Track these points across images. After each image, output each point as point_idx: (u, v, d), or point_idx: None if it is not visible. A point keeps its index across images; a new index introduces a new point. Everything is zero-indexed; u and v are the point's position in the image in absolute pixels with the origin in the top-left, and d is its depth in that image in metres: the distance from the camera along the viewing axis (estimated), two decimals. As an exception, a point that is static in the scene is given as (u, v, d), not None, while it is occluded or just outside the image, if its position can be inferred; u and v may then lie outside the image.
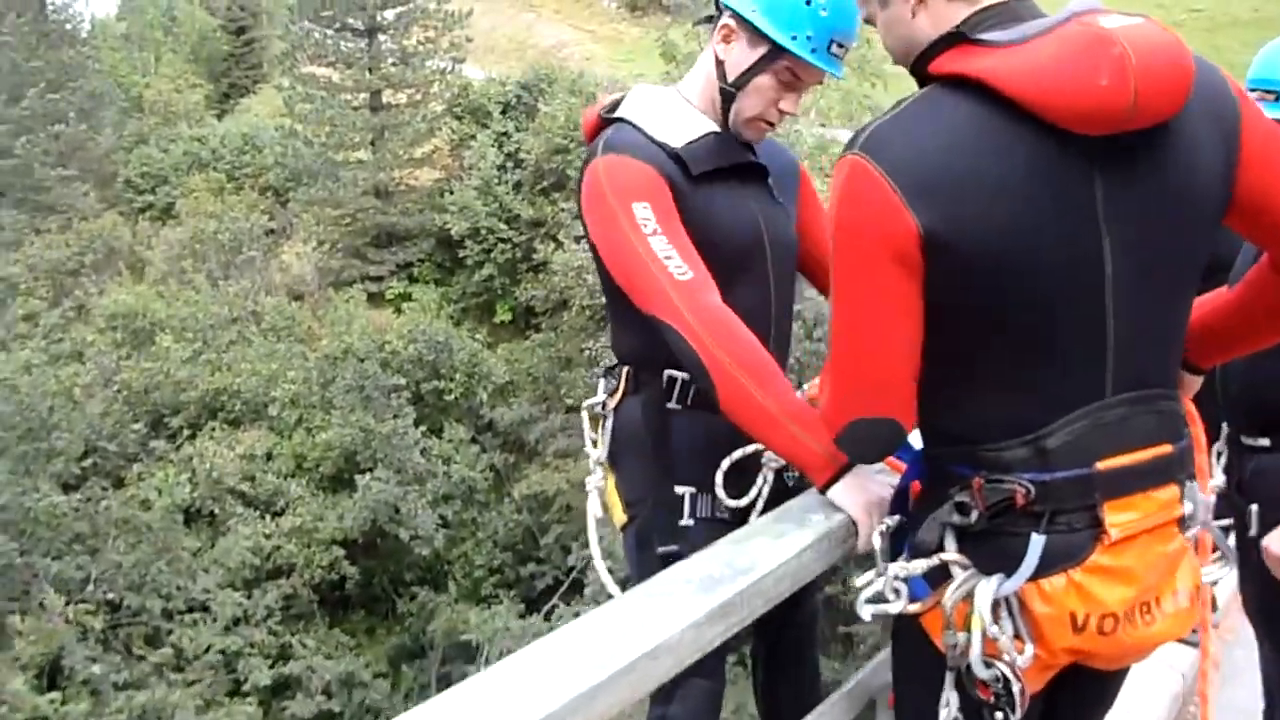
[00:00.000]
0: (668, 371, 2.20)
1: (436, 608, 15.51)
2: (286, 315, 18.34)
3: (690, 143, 2.16)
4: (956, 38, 1.47)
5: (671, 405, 2.23)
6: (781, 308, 2.33)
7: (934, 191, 1.39)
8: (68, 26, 30.25)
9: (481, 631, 13.84)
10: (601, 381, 2.38)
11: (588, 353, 15.57)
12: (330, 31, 23.90)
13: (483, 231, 19.92)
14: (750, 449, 2.16)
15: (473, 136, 21.99)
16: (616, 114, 2.22)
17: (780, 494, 2.14)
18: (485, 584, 15.95)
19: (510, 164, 20.70)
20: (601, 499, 2.32)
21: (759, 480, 2.21)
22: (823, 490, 1.82)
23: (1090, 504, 1.47)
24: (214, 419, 15.74)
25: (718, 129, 2.22)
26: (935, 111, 1.45)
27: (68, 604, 11.93)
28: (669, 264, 1.98)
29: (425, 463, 15.42)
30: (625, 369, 2.31)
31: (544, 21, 35.80)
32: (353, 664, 14.36)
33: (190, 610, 12.78)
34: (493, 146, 21.03)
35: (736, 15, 2.14)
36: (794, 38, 2.08)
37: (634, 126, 2.17)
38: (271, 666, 12.83)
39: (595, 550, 2.34)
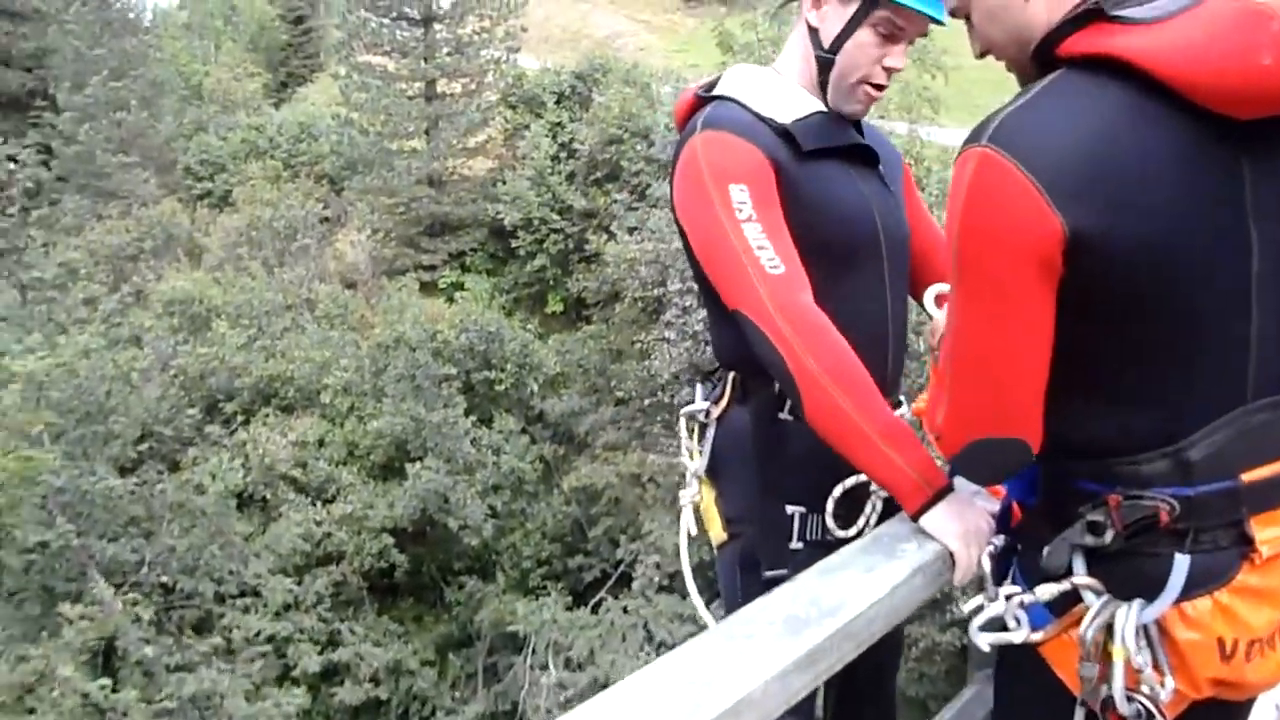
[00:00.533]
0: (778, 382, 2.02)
1: (484, 597, 15.51)
2: (340, 303, 18.43)
3: (799, 119, 2.00)
4: (1092, 15, 1.33)
5: (784, 416, 2.07)
6: (898, 309, 2.17)
7: (1082, 187, 1.27)
8: (130, 15, 30.70)
9: (529, 623, 13.79)
10: (700, 388, 2.25)
11: (639, 345, 15.45)
12: (386, 20, 23.94)
13: (535, 222, 19.87)
14: (864, 478, 2.00)
15: (526, 126, 21.94)
16: (715, 92, 2.07)
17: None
18: (533, 575, 15.92)
19: (564, 154, 20.62)
20: (696, 514, 2.19)
21: (867, 509, 2.08)
22: (915, 517, 1.70)
23: (1236, 519, 1.36)
24: (267, 405, 15.84)
25: (824, 108, 2.07)
26: (1075, 96, 1.32)
27: (121, 586, 12.07)
28: (761, 255, 1.83)
29: (475, 452, 15.40)
30: (731, 374, 2.17)
31: (599, 11, 35.68)
32: (401, 652, 14.41)
33: (242, 595, 12.86)
34: (546, 136, 20.96)
35: None
36: None
37: (737, 104, 2.02)
38: (320, 653, 12.88)
39: (687, 570, 2.20)
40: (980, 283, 1.36)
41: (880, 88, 2.07)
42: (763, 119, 1.99)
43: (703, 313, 13.13)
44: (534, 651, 13.93)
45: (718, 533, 2.16)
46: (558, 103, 22.16)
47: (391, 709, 14.46)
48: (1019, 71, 1.52)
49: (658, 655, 12.76)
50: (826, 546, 1.94)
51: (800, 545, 2.07)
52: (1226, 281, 1.33)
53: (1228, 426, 1.36)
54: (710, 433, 2.19)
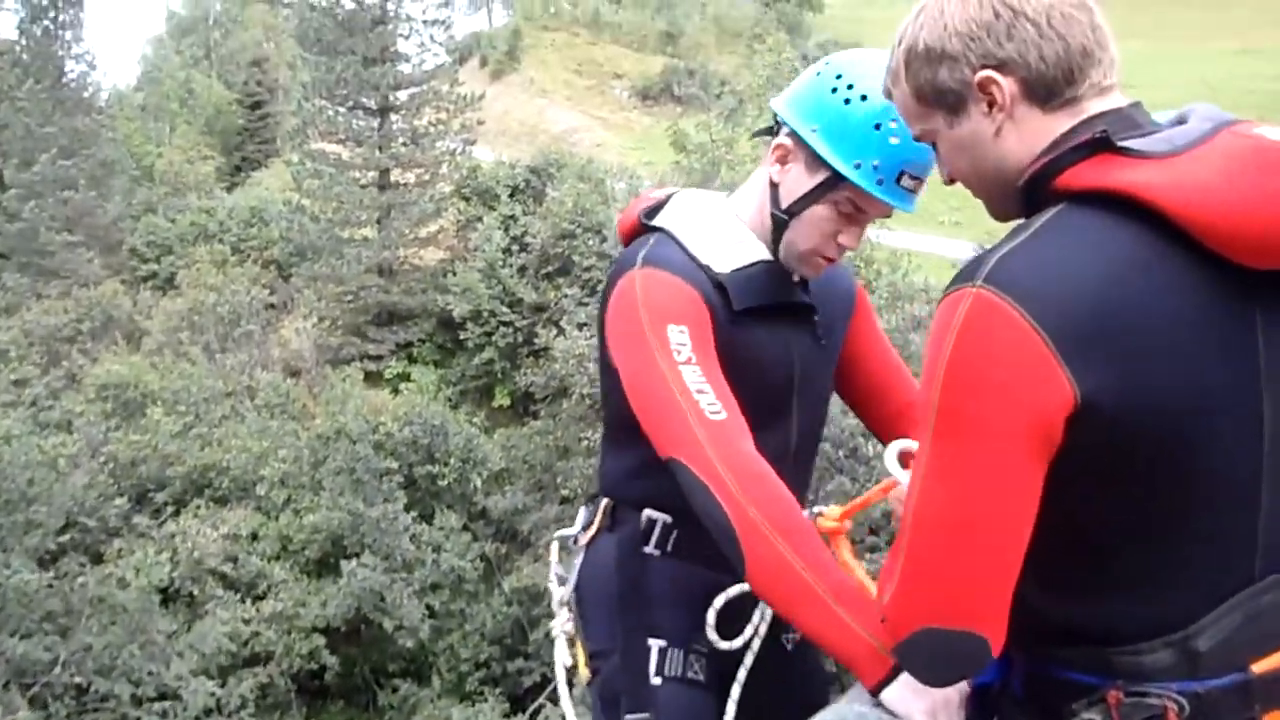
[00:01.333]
0: (647, 512, 1.99)
1: (419, 702, 14.95)
2: (281, 392, 18.05)
3: (738, 270, 1.92)
4: (1098, 146, 1.20)
5: (649, 550, 2.00)
6: (801, 455, 2.11)
7: (1095, 341, 1.12)
8: (84, 94, 30.47)
9: (464, 731, 13.30)
10: (582, 511, 2.17)
11: (586, 443, 15.24)
12: (343, 109, 24.10)
13: (485, 314, 19.76)
14: (746, 587, 1.84)
15: (479, 218, 21.98)
16: (658, 221, 1.99)
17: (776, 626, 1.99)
18: (470, 679, 15.38)
19: (516, 247, 20.62)
20: (569, 646, 2.07)
21: (755, 617, 1.98)
22: (874, 692, 1.53)
23: (1249, 718, 1.20)
24: (200, 496, 15.35)
25: (769, 257, 1.98)
26: (1083, 235, 1.17)
27: (30, 687, 11.44)
28: (701, 399, 1.72)
29: (414, 550, 14.99)
30: (604, 501, 2.08)
31: (556, 106, 36.23)
32: (328, 761, 13.82)
33: (161, 698, 12.26)
34: (499, 229, 20.98)
35: (794, 134, 1.91)
36: (858, 166, 1.84)
37: (677, 242, 1.94)
38: (242, 765, 12.27)
39: (566, 704, 2.04)
40: (960, 444, 1.19)
41: (831, 260, 1.99)
42: (701, 265, 1.91)
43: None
44: (468, 764, 13.42)
45: (583, 668, 2.04)
46: (511, 196, 22.24)
47: (317, 822, 13.82)
48: (992, 202, 1.38)
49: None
50: (689, 684, 1.94)
51: (659, 681, 1.95)
52: (1239, 453, 1.18)
53: (1235, 610, 1.20)
54: (578, 560, 2.12)
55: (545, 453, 16.95)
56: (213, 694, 12.31)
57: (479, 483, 16.51)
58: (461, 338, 20.21)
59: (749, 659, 1.99)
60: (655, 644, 1.97)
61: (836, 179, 1.87)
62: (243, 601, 13.88)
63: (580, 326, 16.01)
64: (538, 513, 16.12)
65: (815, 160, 1.89)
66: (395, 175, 23.68)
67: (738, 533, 1.62)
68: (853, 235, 1.95)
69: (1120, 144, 1.19)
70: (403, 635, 14.49)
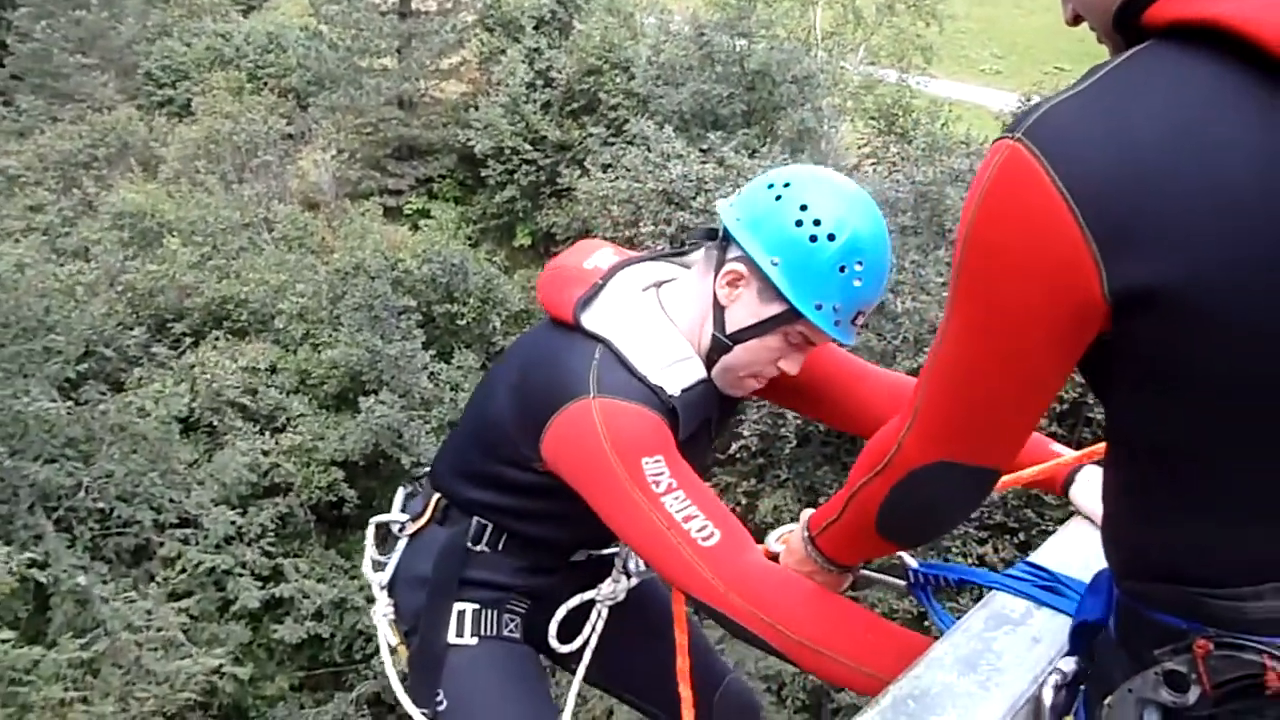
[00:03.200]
0: (477, 519, 2.04)
1: (435, 536, 15.21)
2: (300, 225, 17.80)
3: (686, 390, 1.87)
4: None
5: (480, 548, 2.06)
6: None
7: (1148, 220, 0.92)
8: (95, -93, 29.21)
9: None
10: (400, 494, 2.22)
11: (607, 286, 15.05)
12: (362, -70, 23.02)
13: (507, 151, 19.29)
14: (586, 597, 2.11)
15: (503, 51, 21.23)
16: (595, 325, 1.87)
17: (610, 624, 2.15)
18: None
19: (540, 82, 19.99)
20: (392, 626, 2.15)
21: (593, 616, 2.14)
22: None
23: None
24: (219, 328, 15.29)
25: (705, 375, 1.92)
26: (1150, 80, 0.96)
27: (55, 510, 11.62)
28: (691, 527, 1.70)
29: (432, 388, 15.00)
30: (436, 496, 2.12)
31: (585, -66, 34.60)
32: (347, 588, 14.09)
33: (183, 524, 12.45)
34: (523, 63, 20.29)
35: (748, 260, 1.82)
36: (818, 307, 1.79)
37: (621, 359, 1.83)
38: (262, 588, 12.51)
39: (394, 681, 2.09)
40: (977, 306, 1.10)
41: (764, 382, 1.98)
42: (652, 387, 1.83)
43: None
44: (484, 594, 13.68)
45: (400, 647, 2.13)
46: (536, 28, 21.45)
47: (334, 644, 14.21)
48: (1110, 42, 1.12)
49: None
50: (501, 642, 2.06)
51: (470, 641, 2.05)
52: None
53: None
54: (400, 545, 2.14)
55: (566, 295, 16.79)
56: (233, 522, 12.47)
57: (498, 323, 16.40)
58: (483, 175, 19.80)
59: (587, 657, 2.13)
60: (458, 608, 2.04)
61: (793, 314, 1.81)
62: (261, 434, 13.96)
63: (605, 168, 15.61)
64: (556, 355, 16.05)
65: (771, 292, 1.82)
66: (416, 3, 22.78)
67: (787, 654, 1.65)
68: (794, 363, 1.91)
69: None
70: (420, 471, 14.58)
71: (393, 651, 2.12)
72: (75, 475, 11.70)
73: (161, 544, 12.24)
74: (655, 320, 1.93)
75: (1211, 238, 0.90)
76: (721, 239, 1.90)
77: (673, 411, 1.83)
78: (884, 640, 1.64)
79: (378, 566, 2.17)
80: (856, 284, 1.78)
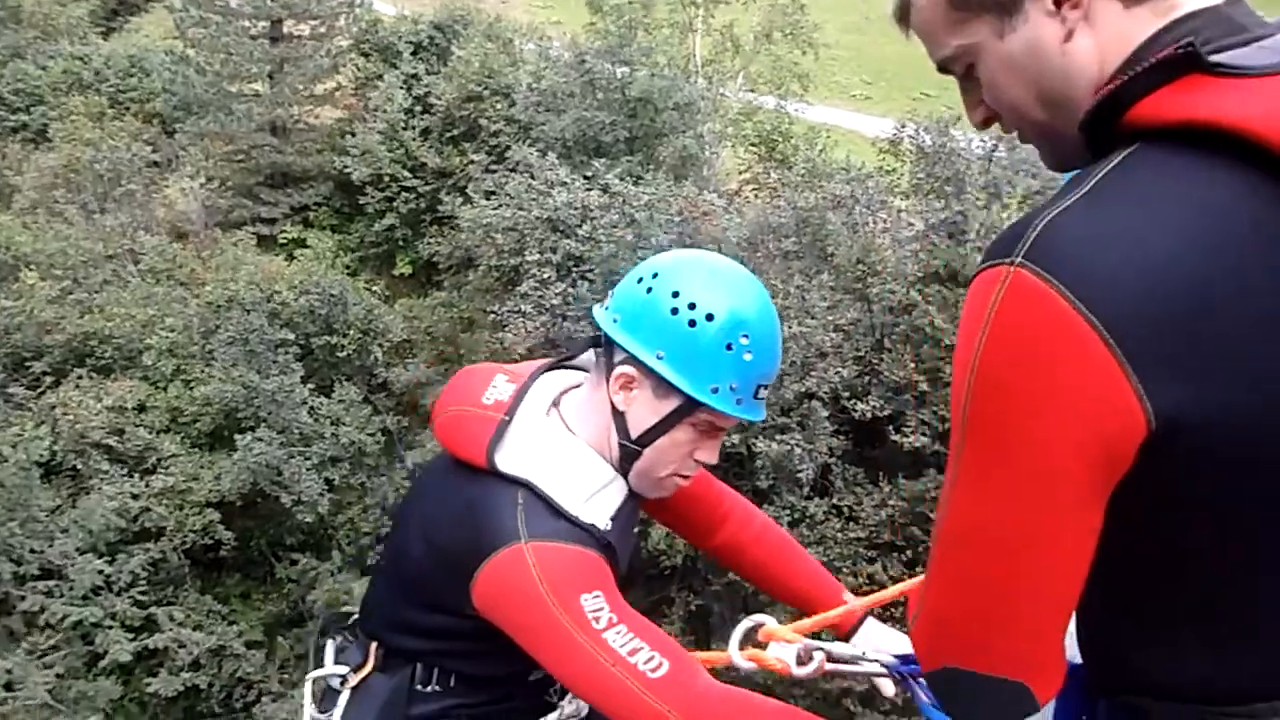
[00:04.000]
0: (420, 664, 1.95)
1: (318, 575, 14.73)
2: (168, 256, 17.10)
3: (614, 517, 1.81)
4: (1183, 64, 0.88)
5: (430, 688, 1.96)
6: None
7: (1185, 344, 0.84)
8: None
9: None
10: (332, 647, 2.08)
11: (493, 316, 14.87)
12: (231, -48, 22.38)
13: (386, 178, 18.94)
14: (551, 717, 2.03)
15: (380, 76, 20.89)
16: (510, 468, 1.78)
17: None
18: (371, 553, 15.18)
19: (419, 108, 19.71)
20: None
21: None
22: None
23: None
24: (81, 365, 14.55)
25: (627, 489, 1.87)
26: (1161, 188, 0.87)
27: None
28: (637, 660, 1.63)
29: (312, 423, 14.55)
30: (373, 643, 2.00)
31: (461, -41, 34.40)
32: (225, 634, 13.54)
33: (46, 575, 11.78)
34: (401, 88, 19.99)
35: (633, 359, 1.76)
36: (715, 390, 1.74)
37: (545, 501, 1.75)
38: (134, 638, 11.91)
39: None
40: (994, 459, 0.94)
41: (688, 479, 1.91)
42: (584, 526, 1.76)
43: (561, 286, 12.64)
44: (370, 634, 13.29)
45: None
46: (414, 53, 21.15)
47: (213, 694, 13.61)
48: (1052, 142, 1.04)
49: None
50: None
51: None
52: None
53: None
54: (343, 699, 2.01)
55: (449, 324, 16.54)
56: (101, 571, 11.89)
57: (380, 354, 16.04)
58: (361, 202, 19.39)
59: None
60: None
61: (692, 405, 1.75)
62: (131, 476, 13.33)
63: (488, 195, 15.43)
64: (441, 385, 15.71)
65: (665, 386, 1.76)
66: (288, 26, 22.20)
67: None
68: (710, 450, 1.85)
69: (1211, 59, 0.87)
70: (301, 510, 14.16)
71: None
72: (-74, 528, 10.98)
73: (23, 597, 11.56)
74: (567, 448, 1.87)
75: (1260, 356, 0.84)
76: (606, 344, 1.83)
77: (609, 547, 1.77)
78: None
79: (319, 710, 2.05)
80: (747, 358, 1.74)
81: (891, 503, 11.04)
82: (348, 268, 18.58)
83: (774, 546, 2.37)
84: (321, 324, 15.67)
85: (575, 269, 13.25)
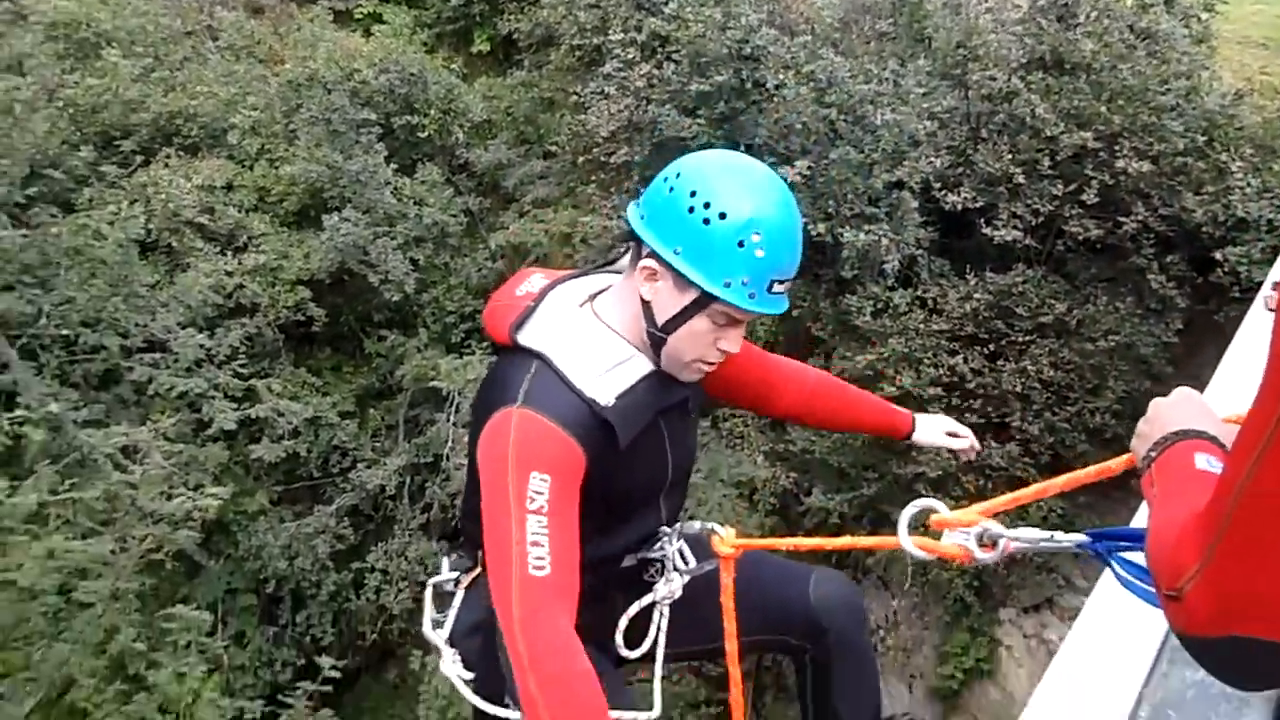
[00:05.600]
0: None
1: (405, 352, 15.20)
2: (245, 33, 16.82)
3: (623, 394, 1.97)
4: None
5: None
6: (673, 492, 2.29)
7: None
8: None
9: (452, 380, 13.53)
10: (446, 560, 2.31)
11: (574, 97, 14.54)
12: None
13: (460, -52, 18.19)
14: (645, 602, 2.22)
15: None
16: (531, 341, 1.98)
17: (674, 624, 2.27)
18: (456, 330, 15.57)
19: None
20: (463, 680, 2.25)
21: (655, 617, 2.25)
22: None
23: None
24: (169, 144, 14.65)
25: (651, 366, 2.04)
26: None
27: (18, 338, 11.40)
28: (532, 552, 1.78)
29: (396, 203, 14.62)
30: (479, 551, 2.22)
31: None
32: (320, 405, 14.16)
33: (151, 348, 12.29)
34: None
35: (658, 256, 1.92)
36: (727, 285, 1.88)
37: (556, 372, 1.93)
38: (237, 408, 12.49)
39: (480, 703, 2.16)
40: None
41: (713, 365, 2.06)
42: (586, 399, 1.92)
43: (646, 67, 12.25)
44: (457, 409, 13.78)
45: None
46: None
47: (311, 461, 14.39)
48: None
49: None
50: None
51: None
52: None
53: None
54: (457, 599, 2.26)
55: (529, 105, 16.24)
56: (202, 345, 12.31)
57: (461, 135, 15.87)
58: (438, -28, 18.72)
59: (660, 660, 2.24)
60: None
61: (707, 297, 1.89)
62: (223, 254, 13.62)
63: (567, -34, 14.79)
64: (522, 166, 15.68)
65: (683, 280, 1.90)
66: None
67: (520, 695, 1.71)
68: (733, 339, 2.00)
69: None
70: (388, 288, 14.45)
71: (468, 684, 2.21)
72: (35, 303, 11.42)
73: (130, 369, 12.10)
74: (590, 329, 2.03)
75: None
76: (635, 239, 1.98)
77: (605, 425, 1.91)
78: None
79: (436, 625, 2.27)
80: (760, 255, 1.84)
81: (977, 296, 10.89)
82: (424, 44, 18.13)
83: (836, 394, 2.64)
84: (402, 103, 15.47)
85: (661, 49, 12.77)
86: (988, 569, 10.95)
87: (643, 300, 1.98)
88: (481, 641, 2.17)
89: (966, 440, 2.90)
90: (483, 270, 15.56)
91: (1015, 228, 10.57)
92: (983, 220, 10.94)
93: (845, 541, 2.22)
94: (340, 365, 16.05)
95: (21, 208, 12.16)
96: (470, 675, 2.17)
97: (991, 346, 11.04)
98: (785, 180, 2.13)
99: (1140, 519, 2.04)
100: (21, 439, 10.11)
